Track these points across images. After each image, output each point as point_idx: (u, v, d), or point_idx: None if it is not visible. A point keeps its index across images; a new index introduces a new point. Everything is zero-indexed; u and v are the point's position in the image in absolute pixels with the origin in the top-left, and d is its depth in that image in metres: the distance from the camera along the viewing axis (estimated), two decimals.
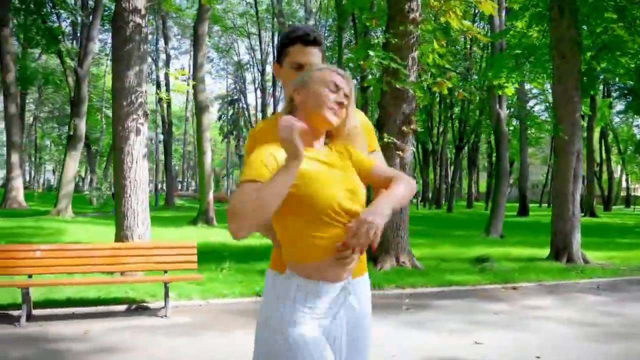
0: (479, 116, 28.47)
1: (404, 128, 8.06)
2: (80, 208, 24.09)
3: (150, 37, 38.67)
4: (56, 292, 6.02)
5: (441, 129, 36.78)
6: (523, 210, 27.91)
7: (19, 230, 13.38)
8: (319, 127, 1.63)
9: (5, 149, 23.24)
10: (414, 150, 8.43)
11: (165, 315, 5.38)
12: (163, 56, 36.25)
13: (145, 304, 5.84)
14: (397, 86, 7.67)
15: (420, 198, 44.77)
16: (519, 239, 13.88)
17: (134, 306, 5.77)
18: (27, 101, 37.08)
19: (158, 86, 34.30)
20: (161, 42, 35.97)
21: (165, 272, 5.68)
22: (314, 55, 1.78)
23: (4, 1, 20.71)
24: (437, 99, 33.45)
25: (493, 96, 14.53)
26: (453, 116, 34.84)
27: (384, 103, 8.26)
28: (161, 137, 33.60)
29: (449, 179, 35.49)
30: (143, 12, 7.08)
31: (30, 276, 5.25)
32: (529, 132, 26.43)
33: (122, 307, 5.73)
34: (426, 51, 8.05)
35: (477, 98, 26.00)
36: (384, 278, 7.42)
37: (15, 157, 22.01)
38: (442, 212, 32.84)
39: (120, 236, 7.09)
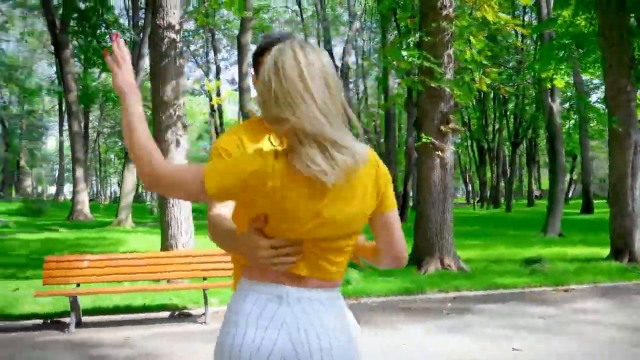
0: (535, 111, 27.44)
1: (442, 127, 7.88)
2: (141, 218, 25.09)
3: (200, 50, 39.92)
4: (105, 300, 6.29)
5: (497, 126, 35.72)
6: (587, 207, 26.58)
7: (82, 241, 14.10)
8: None
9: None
10: (454, 149, 8.23)
11: (205, 322, 5.50)
12: (214, 67, 37.26)
13: (187, 311, 6.00)
14: (432, 85, 7.52)
15: (478, 198, 43.62)
16: (578, 238, 13.24)
17: (176, 313, 5.94)
18: (90, 118, 39.15)
19: (210, 97, 35.32)
20: (211, 54, 37.00)
21: (205, 279, 5.81)
22: None
23: (63, 26, 21.98)
24: (491, 95, 32.53)
25: (545, 89, 13.97)
26: (507, 112, 33.74)
27: (420, 103, 8.12)
28: None
29: (509, 177, 34.33)
30: (177, 27, 7.32)
31: (78, 285, 5.52)
32: (590, 124, 25.17)
33: (166, 314, 5.92)
34: (462, 47, 7.85)
35: (532, 92, 25.12)
36: (427, 281, 7.27)
37: (79, 172, 23.23)
38: (500, 211, 31.86)
39: (166, 245, 7.34)
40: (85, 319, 5.61)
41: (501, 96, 31.10)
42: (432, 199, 8.16)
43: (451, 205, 8.34)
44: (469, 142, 41.81)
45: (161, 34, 7.34)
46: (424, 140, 7.95)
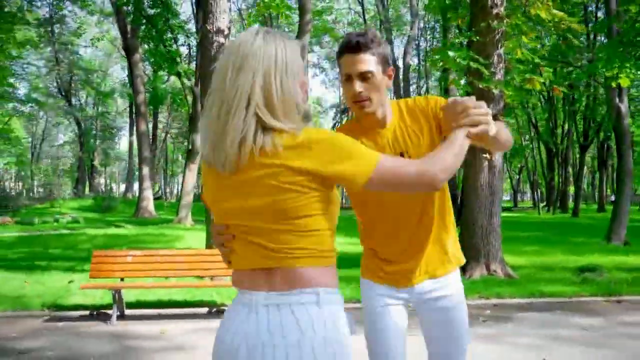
0: (606, 111, 25.94)
1: None
2: (201, 216, 25.92)
3: None
4: (149, 294, 6.59)
5: (566, 128, 34.07)
6: None
7: (142, 238, 14.79)
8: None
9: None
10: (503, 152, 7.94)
11: None
12: None
13: (224, 307, 6.16)
14: (480, 86, 7.31)
15: (545, 202, 41.80)
16: None
17: (214, 309, 6.12)
18: (159, 119, 40.94)
19: None
20: None
21: None
22: (362, 63, 1.73)
23: (133, 31, 23.16)
24: (561, 96, 31.03)
25: (612, 89, 13.19)
26: (576, 113, 32.07)
27: None
28: None
29: (576, 182, 32.65)
30: (226, 32, 7.52)
31: (122, 279, 5.81)
32: None
33: (204, 310, 6.11)
34: (515, 47, 7.57)
35: (602, 92, 23.69)
36: (470, 287, 7.07)
37: (145, 170, 24.36)
38: (567, 216, 30.39)
39: (210, 243, 7.57)
40: (128, 312, 5.91)
41: (570, 96, 29.66)
42: (479, 203, 7.94)
43: (499, 210, 8.07)
44: (536, 144, 40.17)
45: (211, 38, 7.57)
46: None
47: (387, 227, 1.89)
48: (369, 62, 1.73)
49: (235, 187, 1.31)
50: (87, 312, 5.89)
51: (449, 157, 1.43)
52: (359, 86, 1.74)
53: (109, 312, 5.72)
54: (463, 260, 2.01)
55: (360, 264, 2.04)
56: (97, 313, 5.86)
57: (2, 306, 6.12)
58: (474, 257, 7.92)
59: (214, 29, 7.50)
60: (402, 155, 1.83)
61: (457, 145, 1.48)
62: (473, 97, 1.60)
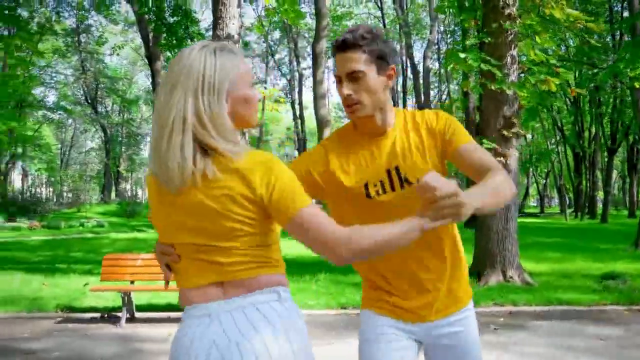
0: (634, 114, 25.26)
1: (505, 132, 7.49)
2: None
3: (285, 58, 41.00)
4: (160, 297, 6.63)
5: (593, 131, 33.29)
6: None
7: None
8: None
9: None
10: (518, 154, 7.79)
11: None
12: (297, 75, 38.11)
13: None
14: (492, 88, 7.18)
15: (573, 208, 40.87)
16: None
17: None
18: None
19: (292, 105, 36.29)
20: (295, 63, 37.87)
21: None
22: (349, 62, 1.57)
23: (155, 39, 23.49)
24: (587, 98, 30.40)
25: (637, 90, 12.81)
26: (603, 116, 31.31)
27: (482, 107, 7.79)
28: (295, 152, 35.30)
29: (605, 186, 31.85)
30: (236, 37, 7.57)
31: (132, 282, 5.86)
32: None
33: None
34: (528, 47, 7.42)
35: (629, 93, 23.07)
36: (484, 294, 6.93)
37: None
38: (595, 222, 29.62)
39: None
40: (138, 314, 5.95)
41: (597, 98, 29.02)
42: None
43: (515, 214, 7.90)
44: (562, 147, 39.38)
45: None
46: (485, 146, 7.59)
47: (389, 260, 1.66)
48: (357, 60, 1.56)
49: (180, 207, 1.30)
50: (98, 315, 5.96)
51: (374, 240, 1.28)
52: (347, 88, 1.58)
53: (119, 314, 5.78)
54: (471, 294, 1.83)
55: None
56: (108, 315, 5.93)
57: (19, 307, 6.25)
58: (490, 263, 7.76)
59: (224, 35, 7.55)
60: (396, 169, 1.63)
61: (395, 233, 1.29)
62: (451, 183, 1.27)
